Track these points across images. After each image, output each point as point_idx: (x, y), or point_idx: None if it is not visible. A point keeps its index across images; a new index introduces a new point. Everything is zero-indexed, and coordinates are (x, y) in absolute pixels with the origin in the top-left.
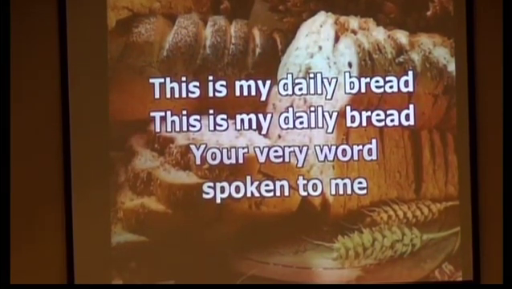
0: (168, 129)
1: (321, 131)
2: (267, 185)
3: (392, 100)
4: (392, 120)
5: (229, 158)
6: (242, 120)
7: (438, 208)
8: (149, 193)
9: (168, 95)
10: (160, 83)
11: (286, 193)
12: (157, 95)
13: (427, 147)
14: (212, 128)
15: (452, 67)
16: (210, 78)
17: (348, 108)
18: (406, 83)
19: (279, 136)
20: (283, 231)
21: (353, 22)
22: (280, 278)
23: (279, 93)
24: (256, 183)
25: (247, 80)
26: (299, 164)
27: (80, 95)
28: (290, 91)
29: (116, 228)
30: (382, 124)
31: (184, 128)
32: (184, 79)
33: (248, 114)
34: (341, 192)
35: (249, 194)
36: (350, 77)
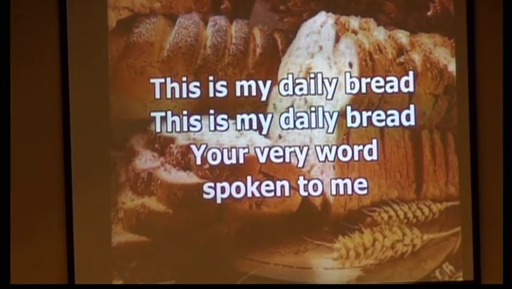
0: (169, 129)
1: (321, 131)
2: (268, 185)
3: (392, 100)
4: (393, 120)
5: (229, 158)
6: (243, 120)
7: (439, 208)
8: (150, 193)
9: (169, 95)
10: (161, 83)
11: (287, 193)
12: (158, 95)
13: (427, 147)
14: (212, 128)
15: (452, 67)
16: (211, 78)
17: (349, 108)
18: (407, 83)
19: (280, 136)
20: (284, 231)
21: (354, 22)
22: (280, 278)
23: (280, 93)
24: (256, 183)
25: (248, 80)
26: (300, 165)
27: (81, 95)
28: (290, 91)
29: (117, 228)
30: (382, 124)
31: (185, 128)
32: (184, 79)
33: (248, 114)
34: (342, 192)
35: (249, 194)
36: (350, 77)
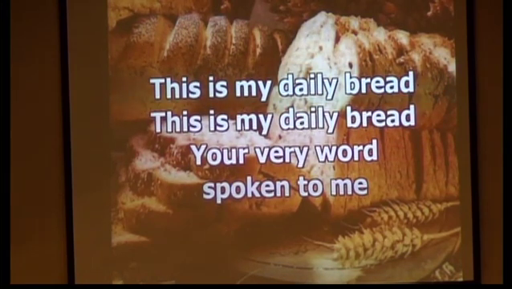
0: (169, 130)
1: (321, 131)
2: (268, 186)
3: (392, 101)
4: (393, 121)
5: (229, 158)
6: (243, 121)
7: (439, 208)
8: (150, 194)
9: (169, 96)
10: (161, 84)
11: (287, 194)
12: (158, 96)
13: (427, 147)
14: (212, 128)
15: (452, 68)
16: (211, 78)
17: (349, 109)
18: (406, 84)
19: (280, 137)
20: (284, 232)
21: (354, 22)
22: (280, 279)
23: (280, 93)
24: (256, 183)
25: (248, 80)
26: (300, 165)
27: (81, 95)
28: (290, 92)
29: (117, 228)
30: (382, 124)
31: (185, 129)
32: (184, 79)
33: (248, 114)
34: (341, 192)
35: (249, 195)
36: (350, 77)
